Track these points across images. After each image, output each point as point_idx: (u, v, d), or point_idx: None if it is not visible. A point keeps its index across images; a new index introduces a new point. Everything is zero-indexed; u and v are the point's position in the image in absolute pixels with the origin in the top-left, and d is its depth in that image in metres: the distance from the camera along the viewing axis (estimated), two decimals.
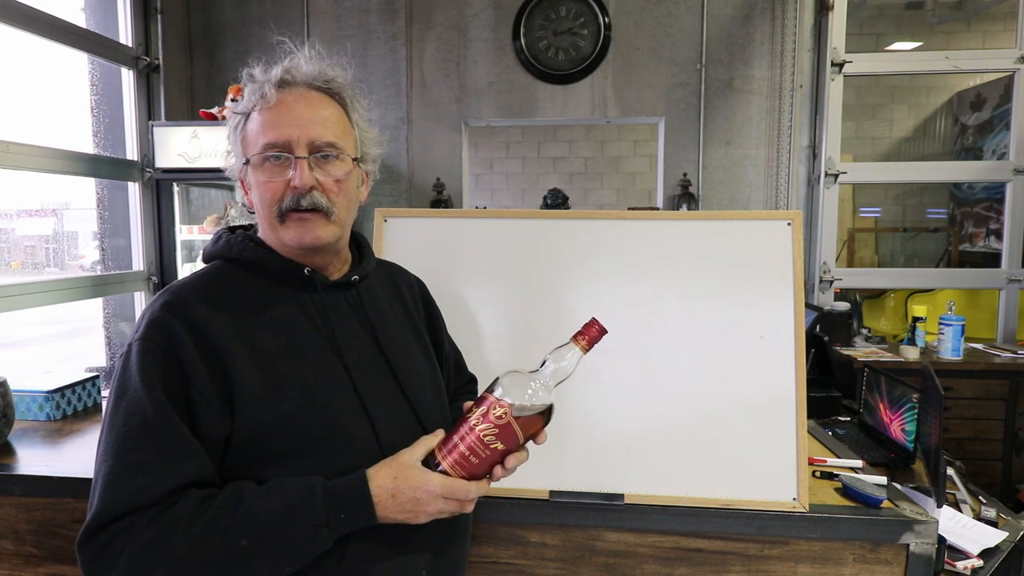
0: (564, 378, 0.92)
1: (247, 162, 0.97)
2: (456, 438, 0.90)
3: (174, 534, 0.81)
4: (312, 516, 0.84)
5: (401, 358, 1.04)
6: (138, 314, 0.99)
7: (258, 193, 0.97)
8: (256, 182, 0.97)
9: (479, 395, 0.93)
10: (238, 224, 1.08)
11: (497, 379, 0.92)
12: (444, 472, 0.89)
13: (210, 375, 0.88)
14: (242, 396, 0.88)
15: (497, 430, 0.88)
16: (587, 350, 0.94)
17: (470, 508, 0.93)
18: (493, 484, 0.95)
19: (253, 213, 1.03)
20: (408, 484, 0.88)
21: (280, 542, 0.83)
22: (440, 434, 0.93)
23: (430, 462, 0.91)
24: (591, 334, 0.94)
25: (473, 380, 1.30)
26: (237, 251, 0.99)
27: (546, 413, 0.91)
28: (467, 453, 0.88)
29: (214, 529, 0.82)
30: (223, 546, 0.82)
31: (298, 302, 0.98)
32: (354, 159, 1.01)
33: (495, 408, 0.88)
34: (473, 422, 0.89)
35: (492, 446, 0.88)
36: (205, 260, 1.04)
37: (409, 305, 1.15)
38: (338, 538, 0.88)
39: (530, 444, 0.94)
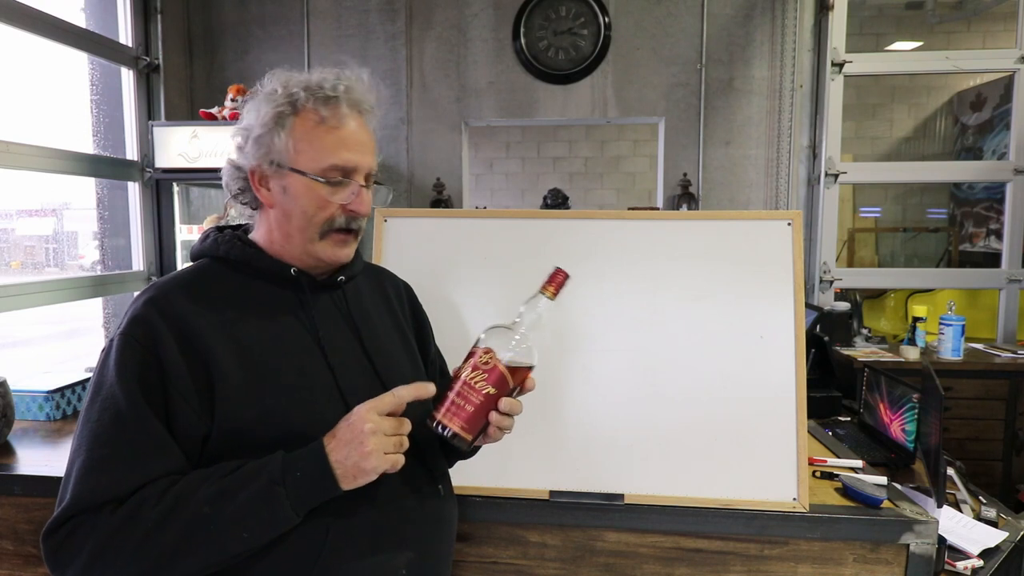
0: (540, 326, 0.98)
1: (304, 174, 0.95)
2: (449, 393, 0.94)
3: (141, 512, 0.81)
4: (267, 473, 0.84)
5: (385, 359, 1.04)
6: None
7: (305, 206, 0.96)
8: (308, 196, 0.95)
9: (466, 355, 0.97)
10: (232, 224, 1.08)
11: (480, 337, 0.97)
12: (441, 426, 0.92)
13: (190, 372, 0.88)
14: (224, 392, 0.88)
15: (486, 375, 0.93)
16: (555, 296, 0.99)
17: (406, 428, 0.90)
18: (496, 443, 1.00)
19: (255, 209, 1.02)
20: (345, 421, 0.88)
21: (237, 504, 0.83)
22: (390, 394, 0.91)
23: (429, 423, 0.93)
24: (557, 280, 1.00)
25: None
26: (224, 250, 1.00)
27: (531, 363, 0.97)
28: (460, 402, 0.92)
29: (179, 500, 0.82)
30: (186, 515, 0.82)
31: (284, 301, 0.99)
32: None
33: (481, 356, 0.94)
34: (462, 374, 0.94)
35: (484, 391, 0.92)
36: (192, 258, 1.04)
37: (395, 308, 1.16)
38: (316, 531, 0.88)
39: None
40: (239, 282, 0.98)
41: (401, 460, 0.88)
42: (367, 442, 0.85)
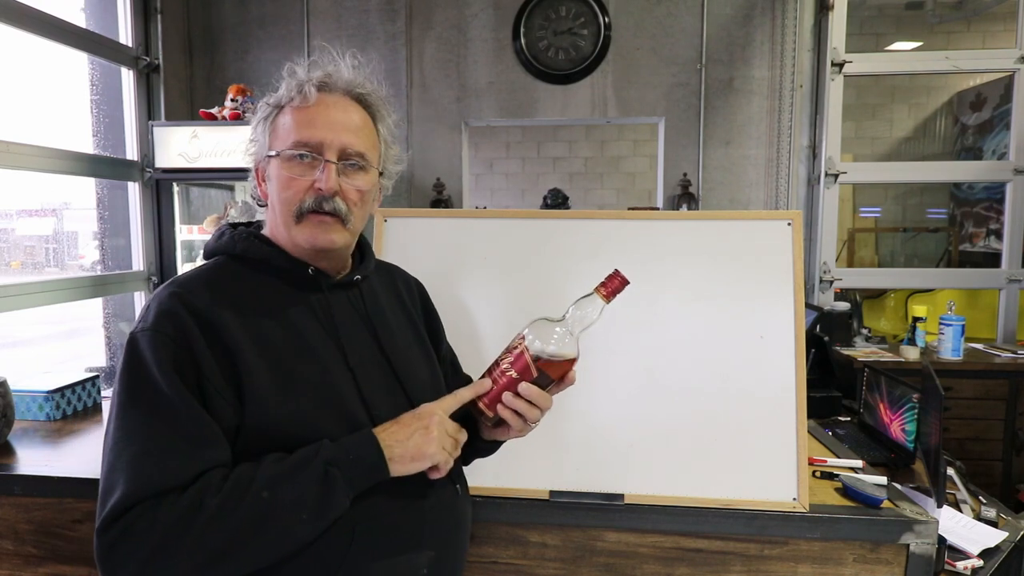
0: (587, 326, 0.97)
1: (276, 155, 0.97)
2: (485, 372, 1.00)
3: (204, 499, 0.81)
4: (321, 457, 0.86)
5: (401, 358, 1.05)
6: (138, 313, 0.99)
7: (278, 188, 0.97)
8: (279, 177, 0.97)
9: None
10: (239, 221, 1.09)
11: (527, 325, 0.99)
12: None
13: (219, 365, 0.88)
14: (252, 390, 0.88)
15: (512, 359, 0.96)
16: (609, 300, 0.97)
17: (463, 437, 0.97)
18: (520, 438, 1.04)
19: (263, 206, 1.03)
20: (411, 412, 0.95)
21: (295, 487, 0.84)
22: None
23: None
24: (613, 285, 0.98)
25: (469, 381, 1.30)
26: (242, 248, 0.99)
27: (569, 357, 0.97)
28: (487, 378, 0.98)
29: (237, 486, 0.82)
30: (246, 502, 0.82)
31: (303, 301, 0.99)
32: (379, 172, 1.05)
33: (514, 341, 0.98)
34: (498, 356, 0.99)
35: (507, 374, 0.96)
36: (207, 256, 1.04)
37: (408, 305, 1.17)
38: (342, 533, 0.89)
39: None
40: (257, 281, 0.98)
41: (451, 463, 0.94)
42: (433, 429, 0.92)
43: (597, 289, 0.97)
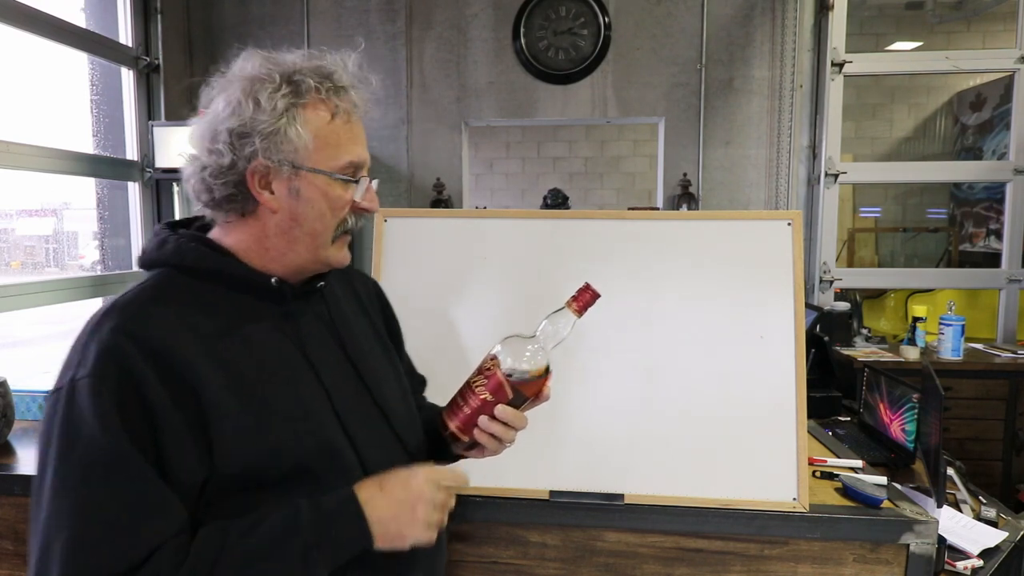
0: (559, 341, 0.96)
1: (329, 175, 0.87)
2: (456, 394, 0.97)
3: None
4: (301, 540, 0.77)
5: (368, 365, 1.00)
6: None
7: (321, 208, 0.88)
8: (328, 197, 0.88)
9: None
10: (177, 220, 0.97)
11: (497, 345, 0.96)
12: (441, 423, 0.96)
13: (180, 409, 0.76)
14: (222, 428, 0.78)
15: (486, 380, 0.93)
16: (580, 314, 0.97)
17: (452, 503, 0.90)
18: (497, 456, 0.99)
19: (243, 216, 0.93)
20: (395, 476, 0.86)
21: (268, 572, 0.76)
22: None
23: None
24: (584, 299, 0.97)
25: (423, 382, 1.26)
26: (192, 259, 0.86)
27: (543, 374, 0.95)
28: (460, 403, 0.95)
29: (196, 571, 0.73)
30: None
31: (265, 315, 0.89)
32: None
33: (486, 362, 0.95)
34: (469, 377, 0.96)
35: (481, 396, 0.93)
36: (146, 266, 0.90)
37: (367, 307, 1.11)
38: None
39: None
40: (210, 295, 0.86)
41: (435, 537, 0.87)
42: (419, 509, 0.84)
43: (568, 303, 0.97)
